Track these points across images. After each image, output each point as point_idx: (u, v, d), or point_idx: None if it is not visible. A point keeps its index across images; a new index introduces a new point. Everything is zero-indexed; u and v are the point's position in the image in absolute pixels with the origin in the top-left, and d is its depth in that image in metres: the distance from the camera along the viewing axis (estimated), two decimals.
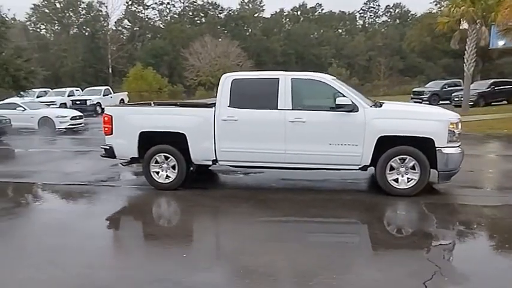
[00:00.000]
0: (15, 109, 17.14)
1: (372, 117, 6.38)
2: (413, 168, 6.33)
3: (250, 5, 62.46)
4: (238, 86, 6.86)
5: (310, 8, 66.50)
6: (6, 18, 20.72)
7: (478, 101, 22.70)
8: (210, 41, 43.13)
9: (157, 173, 7.14)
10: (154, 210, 6.61)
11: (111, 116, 7.24)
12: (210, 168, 7.97)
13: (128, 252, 4.93)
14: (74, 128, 17.59)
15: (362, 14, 68.70)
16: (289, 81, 6.67)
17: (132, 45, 54.38)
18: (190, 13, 60.94)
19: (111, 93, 29.39)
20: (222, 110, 6.82)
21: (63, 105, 25.61)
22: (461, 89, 22.17)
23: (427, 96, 26.79)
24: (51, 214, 6.41)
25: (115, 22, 57.22)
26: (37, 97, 26.44)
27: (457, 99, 22.88)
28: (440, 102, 26.05)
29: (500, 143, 12.19)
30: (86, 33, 53.51)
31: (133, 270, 4.24)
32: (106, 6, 54.49)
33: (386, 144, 6.36)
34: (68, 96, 28.26)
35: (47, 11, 53.86)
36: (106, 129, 7.31)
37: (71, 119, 17.43)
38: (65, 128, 17.14)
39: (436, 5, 38.05)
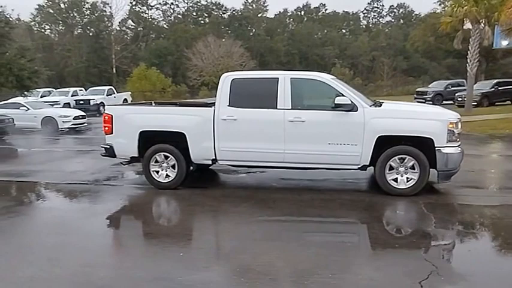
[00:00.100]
0: (18, 109, 17.25)
1: (371, 117, 6.37)
2: (412, 168, 6.32)
3: (254, 5, 62.50)
4: (237, 86, 6.87)
5: (314, 8, 66.56)
6: (10, 19, 20.86)
7: (481, 101, 22.61)
8: (213, 41, 43.18)
9: (157, 172, 7.17)
10: (154, 210, 6.63)
11: (112, 116, 7.28)
12: (210, 167, 7.99)
13: (127, 251, 4.95)
14: (77, 127, 17.68)
15: (366, 14, 68.69)
16: (288, 81, 6.68)
17: (136, 46, 54.56)
18: (194, 13, 61.08)
19: (114, 93, 29.52)
20: (221, 109, 6.83)
21: (67, 105, 25.69)
22: (465, 89, 22.08)
23: (430, 96, 26.69)
24: (52, 213, 6.45)
25: (119, 22, 57.62)
26: (41, 97, 26.58)
27: (460, 99, 22.78)
28: (444, 102, 25.95)
29: (502, 143, 12.12)
30: (90, 34, 53.73)
31: (131, 269, 4.26)
32: (110, 7, 55.11)
33: (385, 144, 6.36)
34: (72, 96, 28.37)
35: (51, 11, 54.12)
36: (106, 128, 7.34)
37: (73, 119, 17.52)
38: (67, 128, 17.23)
39: (440, 4, 37.94)
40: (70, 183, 7.93)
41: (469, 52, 19.37)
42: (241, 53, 43.89)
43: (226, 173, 8.32)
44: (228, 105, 6.81)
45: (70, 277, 4.06)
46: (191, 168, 7.36)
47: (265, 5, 62.97)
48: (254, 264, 4.25)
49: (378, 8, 67.54)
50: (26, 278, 4.07)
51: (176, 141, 7.01)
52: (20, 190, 7.92)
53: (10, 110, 16.93)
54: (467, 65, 19.53)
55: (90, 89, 31.24)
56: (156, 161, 7.16)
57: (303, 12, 66.55)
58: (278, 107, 6.64)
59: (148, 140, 7.13)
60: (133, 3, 57.35)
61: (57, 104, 25.01)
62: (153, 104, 8.71)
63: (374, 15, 68.81)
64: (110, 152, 7.38)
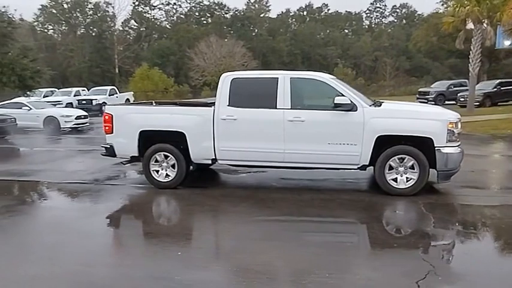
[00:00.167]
0: (20, 108, 17.30)
1: (371, 117, 6.37)
2: (412, 167, 6.31)
3: (257, 5, 62.48)
4: (237, 85, 6.88)
5: (317, 8, 66.45)
6: (13, 19, 20.93)
7: (483, 101, 22.55)
8: (216, 41, 43.21)
9: (157, 171, 7.18)
10: (153, 209, 6.64)
11: (112, 115, 7.30)
12: (211, 167, 8.00)
13: (126, 250, 4.98)
14: (79, 127, 17.73)
15: (368, 14, 68.54)
16: (288, 81, 6.68)
17: (138, 46, 54.66)
18: (197, 13, 61.11)
19: (116, 93, 29.58)
20: (221, 109, 6.84)
21: (69, 104, 25.78)
22: (467, 89, 22.01)
23: (432, 96, 26.62)
24: (52, 212, 6.48)
25: (122, 22, 57.68)
26: (44, 97, 26.69)
27: (462, 99, 22.71)
28: (446, 102, 25.88)
29: (504, 144, 12.09)
30: (93, 34, 53.86)
31: (130, 268, 4.28)
32: (113, 7, 55.06)
33: (385, 144, 6.35)
34: (74, 96, 28.47)
35: (54, 11, 54.28)
36: (107, 128, 7.36)
37: (75, 119, 17.56)
38: (69, 128, 17.28)
39: (442, 5, 37.77)
40: (71, 183, 7.96)
41: (471, 52, 19.30)
42: (243, 53, 43.89)
43: (227, 173, 8.33)
44: (228, 105, 6.82)
45: (69, 276, 4.08)
46: (191, 167, 7.38)
47: (268, 5, 63.01)
48: (252, 264, 4.25)
49: (380, 8, 67.45)
50: (25, 276, 4.09)
51: (176, 140, 7.02)
52: (21, 189, 7.95)
53: (12, 109, 16.99)
54: (469, 65, 19.47)
55: (92, 89, 31.33)
56: (156, 161, 7.17)
57: (305, 12, 66.48)
58: (278, 107, 6.64)
59: (149, 139, 7.15)
60: (136, 3, 57.50)
61: (59, 103, 25.09)
62: (154, 104, 8.72)
63: (377, 15, 68.71)
64: (110, 152, 7.40)
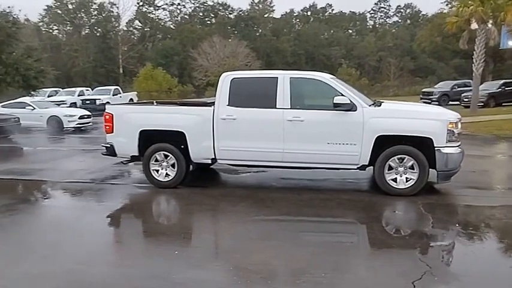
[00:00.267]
0: (24, 108, 17.41)
1: (370, 117, 6.35)
2: (412, 168, 6.28)
3: (260, 6, 62.49)
4: (237, 85, 6.88)
5: (321, 8, 66.36)
6: (18, 19, 21.08)
7: (488, 102, 22.42)
8: (219, 42, 43.25)
9: (157, 171, 7.19)
10: (152, 208, 6.66)
11: (112, 115, 7.32)
12: (211, 166, 8.00)
13: (123, 249, 5.00)
14: (82, 127, 17.81)
15: (372, 15, 68.34)
16: (287, 80, 6.68)
17: (142, 46, 54.82)
18: (201, 13, 61.20)
19: (120, 93, 29.74)
20: (221, 108, 6.84)
21: (73, 104, 25.94)
22: (471, 90, 21.89)
23: (436, 96, 26.51)
24: (52, 211, 6.52)
25: (126, 23, 57.85)
26: (48, 96, 26.84)
27: (466, 99, 22.59)
28: (450, 102, 25.77)
29: (507, 144, 12.01)
30: (98, 34, 54.05)
31: (126, 267, 4.29)
32: (117, 7, 55.37)
33: (385, 144, 6.33)
34: (78, 95, 28.64)
35: (59, 11, 54.53)
36: (107, 127, 7.39)
37: (79, 118, 17.64)
38: (73, 127, 17.36)
39: (447, 5, 37.58)
40: (72, 182, 7.99)
41: (474, 52, 19.21)
42: (247, 53, 43.89)
43: (227, 173, 8.33)
44: (228, 105, 6.82)
45: (62, 274, 4.09)
46: (191, 167, 7.39)
47: (272, 5, 63.00)
48: (247, 263, 4.25)
49: (384, 8, 67.24)
50: (24, 275, 4.10)
51: (176, 140, 7.03)
52: (22, 188, 8.00)
53: (16, 109, 17.09)
54: (473, 65, 19.38)
55: (96, 88, 31.51)
56: (156, 160, 7.19)
57: (309, 13, 66.39)
58: (277, 107, 6.64)
59: (149, 139, 7.17)
60: (141, 3, 57.67)
61: (63, 103, 25.25)
62: (155, 104, 8.74)
63: (381, 16, 68.50)
64: (110, 151, 7.43)
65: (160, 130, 7.08)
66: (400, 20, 66.60)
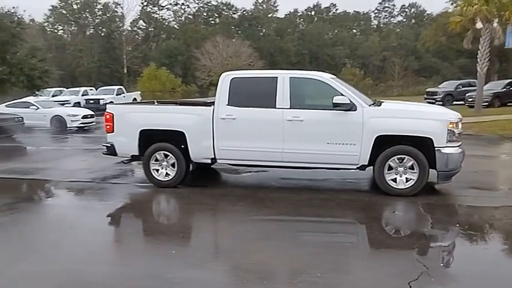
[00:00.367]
0: (28, 108, 17.48)
1: (370, 116, 6.32)
2: (412, 168, 6.25)
3: (264, 5, 62.40)
4: (237, 85, 6.88)
5: (325, 8, 66.13)
6: (22, 19, 21.20)
7: (492, 102, 22.24)
8: (222, 41, 43.28)
9: (157, 170, 7.21)
10: (151, 208, 6.67)
11: (113, 114, 7.35)
12: (212, 166, 8.00)
13: (123, 249, 5.02)
14: (85, 126, 17.89)
15: (377, 14, 68.03)
16: (287, 80, 6.67)
17: (146, 46, 54.95)
18: (205, 13, 61.24)
19: (124, 93, 29.83)
20: (220, 108, 6.85)
21: (77, 104, 26.06)
22: (476, 89, 21.76)
23: (440, 96, 26.38)
24: (52, 210, 6.57)
25: (130, 23, 57.96)
26: (52, 96, 26.97)
27: (470, 99, 22.44)
28: (454, 102, 25.63)
29: (510, 144, 11.93)
30: (102, 34, 54.26)
31: (124, 266, 4.31)
32: (122, 7, 55.30)
33: (384, 144, 6.31)
34: (82, 95, 28.78)
35: (64, 12, 54.81)
36: (108, 127, 7.42)
37: (82, 118, 17.72)
38: (76, 127, 17.44)
39: (451, 4, 37.35)
40: (73, 181, 8.02)
41: (479, 52, 19.09)
42: (250, 53, 43.90)
43: (227, 172, 8.34)
44: (227, 105, 6.82)
45: (60, 274, 4.11)
46: (191, 167, 7.40)
47: (276, 5, 62.87)
48: (245, 263, 4.26)
49: (389, 7, 66.88)
50: (17, 273, 4.13)
51: (176, 140, 7.05)
52: (24, 187, 8.04)
53: (20, 108, 17.18)
54: (478, 64, 19.24)
55: (100, 88, 31.62)
56: (156, 160, 7.20)
57: (313, 12, 66.23)
58: (277, 106, 6.63)
59: (149, 138, 7.18)
60: (145, 3, 57.78)
61: (67, 103, 25.38)
62: (156, 103, 8.76)
63: (385, 15, 68.15)
64: (111, 151, 7.46)
65: (160, 130, 7.10)
66: (404, 20, 66.27)
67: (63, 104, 22.87)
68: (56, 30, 56.84)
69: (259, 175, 8.06)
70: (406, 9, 65.86)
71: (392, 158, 6.30)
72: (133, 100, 28.59)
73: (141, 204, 6.84)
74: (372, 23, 67.41)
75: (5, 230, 5.47)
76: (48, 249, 4.78)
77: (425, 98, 26.69)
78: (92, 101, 26.67)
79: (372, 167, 6.46)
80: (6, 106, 18.02)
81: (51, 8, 54.72)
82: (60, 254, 4.60)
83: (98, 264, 4.34)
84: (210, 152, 6.95)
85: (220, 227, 5.77)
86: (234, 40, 47.17)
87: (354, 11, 65.68)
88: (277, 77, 6.76)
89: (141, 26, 59.67)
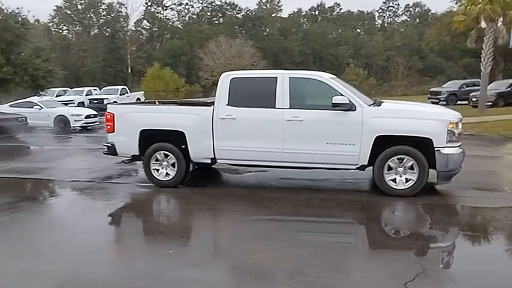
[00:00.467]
0: (32, 107, 17.57)
1: (370, 117, 6.31)
2: (411, 168, 6.23)
3: (268, 5, 62.42)
4: (236, 85, 6.89)
5: (329, 7, 66.08)
6: (27, 20, 21.30)
7: (496, 102, 22.09)
8: (225, 41, 43.33)
9: (158, 170, 7.23)
10: (151, 208, 6.69)
11: (113, 114, 7.38)
12: (213, 166, 8.01)
13: (120, 248, 5.05)
14: (89, 126, 17.97)
15: (381, 14, 67.91)
16: (287, 80, 6.67)
17: (150, 46, 55.13)
18: (209, 13, 61.36)
19: (127, 93, 29.93)
20: (220, 108, 6.86)
21: (81, 104, 26.18)
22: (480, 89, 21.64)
23: (444, 96, 26.28)
24: (52, 209, 6.62)
25: (134, 23, 58.20)
26: (56, 96, 27.11)
27: (475, 99, 22.29)
28: (458, 102, 25.52)
29: None
30: (106, 34, 54.47)
31: (122, 266, 4.34)
32: (126, 7, 55.59)
33: (384, 144, 6.29)
34: (86, 95, 28.90)
35: (68, 12, 55.08)
36: (108, 127, 7.45)
37: (85, 118, 17.79)
38: (79, 126, 17.52)
39: (456, 3, 37.17)
40: (74, 181, 8.06)
41: (483, 51, 18.99)
42: (253, 52, 43.90)
43: (228, 172, 8.35)
44: (227, 105, 6.83)
45: (59, 273, 4.13)
46: (191, 166, 7.41)
47: (279, 4, 62.89)
48: (243, 263, 4.27)
49: (393, 7, 66.73)
50: (16, 272, 4.15)
51: (176, 140, 7.06)
52: (25, 187, 8.08)
53: (24, 108, 17.27)
54: (481, 64, 19.15)
55: (104, 88, 31.75)
56: (157, 160, 7.22)
57: (317, 12, 66.17)
58: (276, 106, 6.63)
59: (149, 138, 7.21)
60: (149, 3, 58.01)
61: (71, 103, 25.49)
62: (157, 103, 8.78)
63: (389, 15, 68.00)
64: (111, 150, 7.49)
65: (161, 130, 7.12)
66: (408, 19, 66.06)
67: (66, 104, 22.96)
68: (60, 31, 57.16)
69: (259, 175, 8.06)
70: (411, 9, 65.74)
71: (392, 158, 6.28)
72: (136, 100, 28.70)
73: (141, 204, 6.87)
74: (376, 23, 67.31)
75: (5, 229, 5.50)
76: (48, 248, 4.80)
77: (429, 98, 26.59)
78: (95, 101, 26.77)
79: (371, 167, 6.44)
80: (10, 106, 18.14)
81: (55, 8, 55.12)
82: (60, 254, 4.62)
83: (98, 263, 4.36)
84: (209, 152, 6.96)
85: (219, 226, 5.78)
86: (237, 40, 47.18)
87: (358, 10, 65.68)
88: (276, 77, 6.76)
89: (145, 26, 59.93)
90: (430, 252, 4.52)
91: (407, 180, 6.26)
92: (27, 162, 10.48)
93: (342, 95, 6.39)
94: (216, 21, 60.16)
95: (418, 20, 63.79)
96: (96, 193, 7.27)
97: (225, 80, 6.95)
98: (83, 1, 54.79)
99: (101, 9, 55.64)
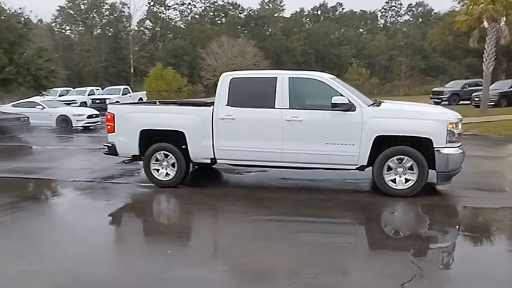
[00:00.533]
0: (34, 107, 17.63)
1: (369, 117, 6.30)
2: (411, 168, 6.22)
3: (271, 5, 62.36)
4: (236, 85, 6.90)
5: (331, 7, 65.97)
6: (29, 20, 21.39)
7: (499, 101, 22.00)
8: (227, 41, 43.35)
9: (158, 170, 7.24)
10: (150, 208, 6.70)
11: (113, 114, 7.40)
12: (213, 166, 8.02)
13: (122, 248, 5.06)
14: (91, 126, 18.02)
15: (383, 13, 67.74)
16: (286, 80, 6.67)
17: (153, 46, 55.20)
18: (211, 13, 61.39)
19: (129, 92, 29.99)
20: (220, 108, 6.86)
21: (84, 104, 26.25)
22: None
23: (446, 96, 26.22)
24: (54, 209, 6.66)
25: (137, 23, 58.31)
26: (59, 96, 27.19)
27: (477, 99, 22.22)
28: (461, 102, 25.46)
29: None
30: (109, 34, 54.60)
31: (122, 266, 4.35)
32: (128, 7, 55.65)
33: (384, 144, 6.28)
34: (88, 95, 28.98)
35: (71, 12, 55.27)
36: (109, 127, 7.47)
37: (87, 118, 17.84)
38: (81, 126, 17.58)
39: (459, 3, 37.01)
40: (75, 181, 8.09)
41: (485, 51, 18.93)
42: (255, 52, 43.91)
43: (228, 172, 8.36)
44: (227, 105, 6.84)
45: (58, 273, 4.14)
46: (191, 167, 7.42)
47: (282, 4, 62.80)
48: (240, 263, 4.28)
49: (395, 6, 66.55)
50: (15, 272, 4.16)
51: (176, 140, 7.08)
52: (26, 186, 8.11)
53: (26, 108, 17.33)
54: (483, 64, 19.09)
55: (106, 88, 31.82)
56: (157, 160, 7.24)
57: (319, 12, 66.09)
58: (276, 107, 6.64)
59: (149, 138, 7.22)
60: (151, 3, 58.09)
61: (74, 103, 25.56)
62: (158, 103, 8.80)
63: (392, 14, 67.81)
64: (112, 150, 7.51)
65: (161, 130, 7.13)
66: (411, 19, 65.88)
67: (69, 104, 23.04)
68: (63, 31, 57.35)
69: (260, 175, 8.07)
70: (413, 8, 65.55)
71: (391, 159, 6.27)
72: (139, 100, 28.77)
73: (141, 204, 6.89)
74: (379, 22, 67.15)
75: (6, 228, 5.53)
76: (48, 248, 4.82)
77: (431, 98, 26.54)
78: (98, 101, 26.84)
79: (371, 167, 6.44)
80: (13, 106, 18.21)
81: (58, 8, 55.36)
82: (60, 254, 4.63)
83: (98, 263, 4.37)
84: (209, 152, 6.97)
85: (218, 227, 5.79)
86: (240, 40, 47.19)
87: (361, 10, 65.54)
88: (276, 77, 6.76)
89: (147, 26, 60.03)
90: (428, 253, 4.51)
91: (406, 181, 6.25)
92: (28, 162, 10.52)
93: (341, 95, 6.39)
94: (219, 21, 60.19)
95: (420, 20, 63.61)
96: (97, 193, 7.30)
97: (224, 80, 6.96)
98: (85, 1, 54.96)
99: (103, 9, 55.79)
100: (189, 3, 60.55)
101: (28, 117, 15.82)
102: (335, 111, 6.37)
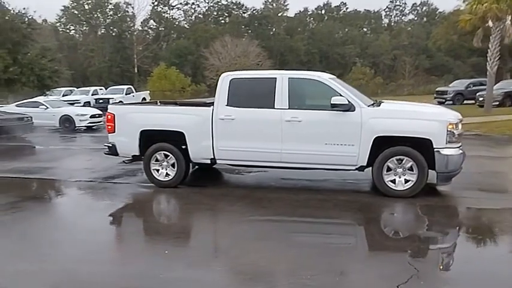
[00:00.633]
0: (37, 107, 17.72)
1: (369, 117, 6.28)
2: (411, 169, 6.20)
3: (274, 5, 62.32)
4: (236, 85, 6.90)
5: (335, 6, 65.84)
6: (33, 20, 21.53)
7: (503, 101, 21.85)
8: (231, 41, 43.35)
9: (158, 170, 7.26)
10: (150, 208, 6.72)
11: (114, 115, 7.43)
12: (214, 166, 8.02)
13: (121, 248, 5.07)
14: (94, 126, 18.09)
15: (388, 13, 67.48)
16: (286, 81, 6.66)
17: (157, 45, 55.34)
18: (215, 13, 61.43)
19: (133, 92, 30.08)
20: (219, 109, 6.87)
21: (87, 103, 26.35)
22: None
23: (450, 96, 26.09)
24: (54, 209, 6.69)
25: (141, 22, 58.43)
26: (63, 96, 27.33)
27: (481, 98, 22.06)
28: (465, 102, 25.31)
29: None
30: (113, 34, 54.76)
31: (122, 266, 4.36)
32: (132, 7, 55.84)
33: (383, 145, 6.26)
34: (92, 95, 29.09)
35: (75, 12, 55.49)
36: (109, 127, 7.51)
37: (90, 117, 17.91)
38: (84, 126, 17.65)
39: (463, 1, 36.78)
40: (76, 181, 8.12)
41: (489, 50, 18.81)
42: (258, 52, 43.89)
43: (228, 172, 8.36)
44: (226, 105, 6.84)
45: (57, 272, 4.16)
46: (191, 167, 7.43)
47: (286, 4, 62.75)
48: (237, 264, 4.29)
49: (400, 6, 66.29)
50: (14, 272, 4.19)
51: (176, 140, 7.09)
52: (27, 186, 8.15)
53: (30, 108, 17.42)
54: (487, 63, 18.98)
55: (109, 88, 31.94)
56: (157, 160, 7.25)
57: (323, 11, 65.95)
58: (275, 107, 6.63)
59: (149, 138, 7.24)
60: (155, 3, 58.21)
61: (77, 102, 25.67)
62: (159, 103, 8.82)
63: (396, 14, 67.56)
64: (112, 151, 7.54)
65: (161, 130, 7.14)
66: (415, 18, 65.59)
67: (72, 104, 23.12)
68: (67, 30, 57.62)
69: (259, 175, 8.06)
70: (418, 8, 65.29)
71: (391, 159, 6.25)
72: (142, 99, 28.86)
73: (141, 204, 6.91)
74: (383, 22, 66.95)
75: (6, 228, 5.56)
76: (48, 248, 4.84)
77: (435, 98, 26.40)
78: (101, 101, 26.91)
79: (370, 168, 6.42)
80: (16, 106, 18.32)
81: (63, 8, 55.59)
82: (60, 253, 4.65)
83: (98, 263, 4.38)
84: (209, 152, 6.97)
85: (217, 227, 5.79)
86: (243, 40, 47.17)
87: (365, 9, 65.37)
88: (275, 78, 6.75)
89: (151, 26, 60.13)
90: (425, 254, 4.50)
91: (406, 181, 6.23)
92: (31, 162, 10.58)
93: (341, 95, 6.37)
94: (222, 21, 60.22)
95: (425, 19, 63.32)
96: (98, 193, 7.34)
97: (224, 80, 6.96)
98: (90, 1, 55.16)
99: (107, 9, 55.97)
100: (193, 3, 60.69)
101: (31, 117, 15.90)
102: (334, 112, 6.35)
